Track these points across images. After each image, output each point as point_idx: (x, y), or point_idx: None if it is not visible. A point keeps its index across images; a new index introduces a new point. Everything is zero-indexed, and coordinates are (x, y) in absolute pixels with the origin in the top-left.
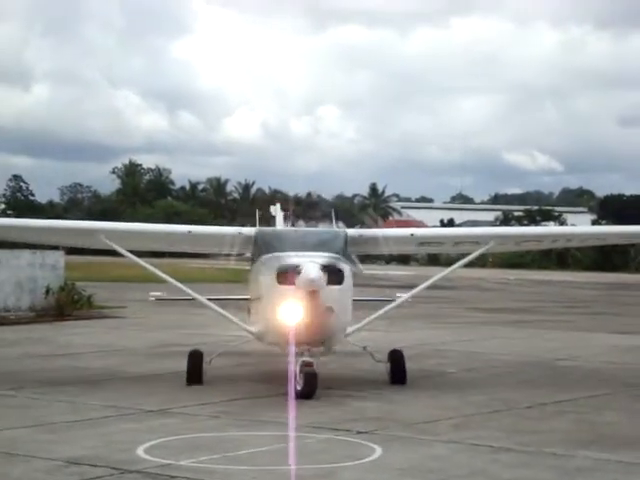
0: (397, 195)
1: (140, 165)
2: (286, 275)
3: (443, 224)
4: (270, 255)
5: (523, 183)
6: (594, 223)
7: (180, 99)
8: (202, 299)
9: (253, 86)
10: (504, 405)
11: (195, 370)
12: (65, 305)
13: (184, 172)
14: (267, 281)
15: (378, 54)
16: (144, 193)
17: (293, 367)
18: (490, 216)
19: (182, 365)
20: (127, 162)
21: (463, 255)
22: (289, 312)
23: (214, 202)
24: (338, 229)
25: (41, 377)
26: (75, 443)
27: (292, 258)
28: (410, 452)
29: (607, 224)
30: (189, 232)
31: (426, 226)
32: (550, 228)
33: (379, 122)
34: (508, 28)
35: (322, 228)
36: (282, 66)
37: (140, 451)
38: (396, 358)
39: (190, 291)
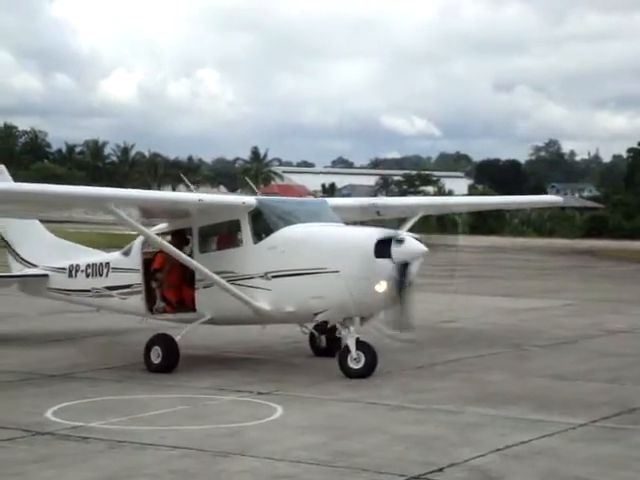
0: (279, 159)
1: (15, 127)
2: (384, 246)
3: (324, 189)
4: (295, 227)
5: (402, 147)
6: (471, 188)
7: (55, 60)
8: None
9: (130, 47)
10: (396, 366)
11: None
12: None
13: (60, 135)
14: (350, 252)
15: (257, 16)
16: (19, 156)
17: (347, 340)
18: (370, 180)
19: (77, 330)
20: (1, 124)
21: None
22: (389, 284)
23: (92, 165)
24: (323, 199)
25: None
26: None
27: (365, 229)
28: (309, 411)
29: (484, 189)
30: (199, 200)
31: (308, 190)
32: (469, 198)
33: (259, 85)
34: None
35: (310, 199)
36: (159, 28)
37: (49, 414)
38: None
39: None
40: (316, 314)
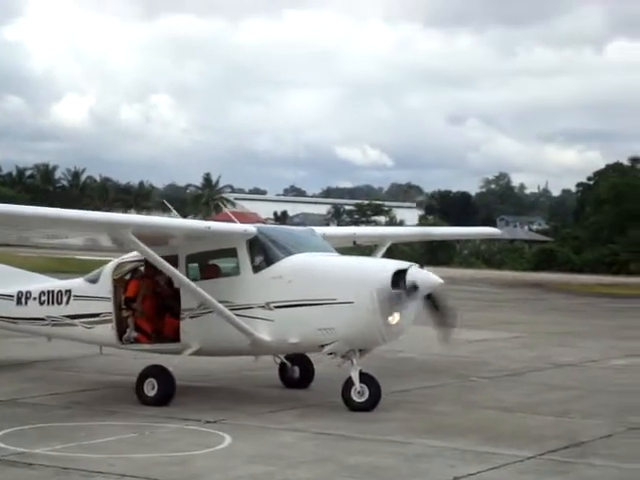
0: (231, 186)
1: None
2: (399, 279)
3: (277, 216)
4: (300, 256)
5: (354, 177)
6: (421, 218)
7: (7, 82)
8: (219, 306)
9: (83, 71)
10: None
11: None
12: None
13: (10, 158)
14: (365, 283)
15: (210, 44)
16: None
17: (350, 373)
18: (323, 209)
19: (24, 354)
20: None
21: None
22: (399, 315)
23: (41, 189)
24: (311, 228)
25: None
26: None
27: (379, 261)
28: (258, 440)
29: (434, 219)
30: (208, 228)
31: (260, 218)
32: (434, 229)
33: (212, 113)
34: (342, 23)
35: (301, 227)
36: (113, 52)
37: None
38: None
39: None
40: (322, 345)
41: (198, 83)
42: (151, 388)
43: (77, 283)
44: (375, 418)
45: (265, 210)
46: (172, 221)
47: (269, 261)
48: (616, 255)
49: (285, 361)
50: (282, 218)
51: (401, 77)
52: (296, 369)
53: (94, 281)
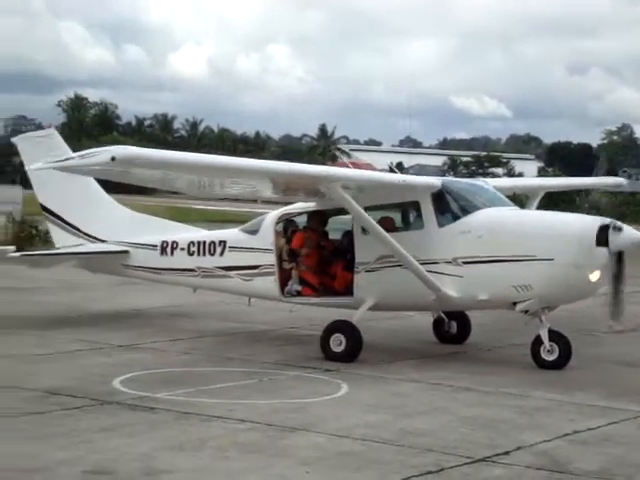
0: (346, 137)
1: (86, 99)
2: (605, 234)
3: (391, 168)
4: (488, 210)
5: (471, 128)
6: (541, 170)
7: (126, 33)
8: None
9: (200, 21)
10: (462, 347)
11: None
12: (23, 240)
13: (130, 107)
14: (568, 239)
15: None
16: (90, 128)
17: (539, 331)
18: (439, 161)
19: (142, 302)
20: (72, 95)
21: None
22: (599, 272)
23: (161, 138)
24: (485, 181)
25: (8, 311)
26: (52, 375)
27: (580, 216)
28: (375, 389)
29: (554, 172)
30: (403, 181)
31: (375, 169)
32: (577, 179)
33: (328, 62)
34: None
35: (477, 180)
36: (229, 1)
37: (116, 383)
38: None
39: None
40: (515, 303)
41: (314, 33)
42: (338, 344)
43: (232, 234)
44: (493, 371)
45: (380, 161)
46: (371, 174)
47: (455, 216)
48: None
49: (443, 316)
50: (398, 170)
51: (520, 26)
52: (454, 324)
53: (254, 232)
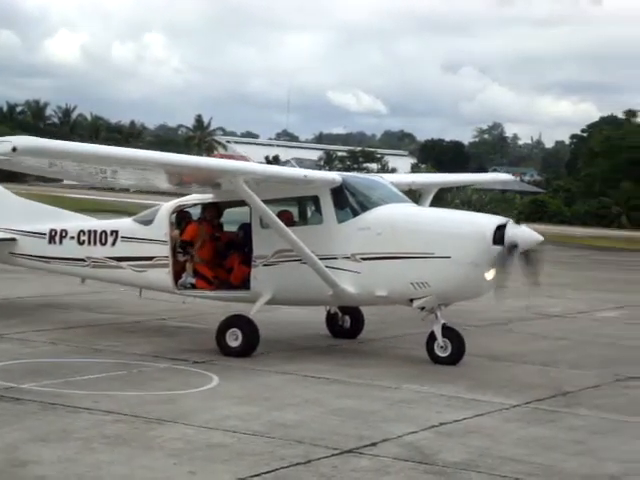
0: (223, 129)
1: None
2: (501, 233)
3: (268, 161)
4: (388, 207)
5: (347, 123)
6: (414, 167)
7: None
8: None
9: (75, 7)
10: (335, 340)
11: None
12: None
13: (1, 93)
14: (466, 237)
15: None
16: None
17: (433, 327)
18: (315, 155)
19: (9, 292)
20: None
21: None
22: (494, 271)
23: (32, 125)
24: (380, 176)
25: None
26: None
27: (477, 215)
28: (245, 381)
29: (427, 168)
30: (305, 176)
31: (251, 161)
32: (462, 175)
33: (206, 53)
34: None
35: (374, 176)
36: None
37: None
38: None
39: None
40: (412, 300)
41: (193, 22)
42: (234, 339)
43: (125, 223)
44: (364, 363)
45: (257, 154)
46: (274, 168)
47: (355, 211)
48: (607, 208)
49: (337, 311)
50: (274, 162)
51: (396, 23)
52: (347, 319)
53: (147, 223)
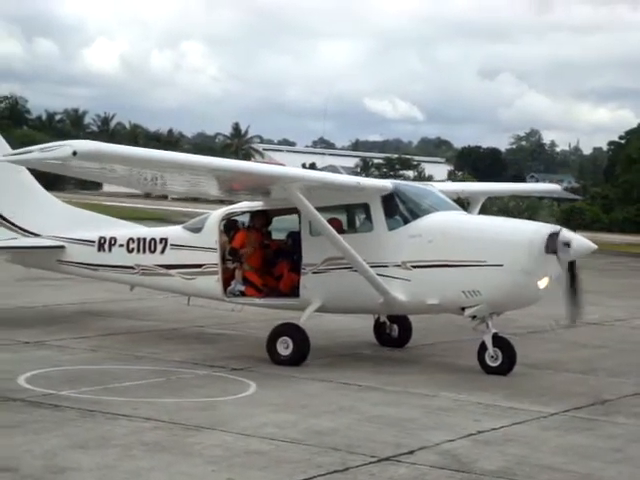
0: (260, 136)
1: None
2: (554, 241)
3: (305, 169)
4: (439, 214)
5: (384, 130)
6: (451, 174)
7: (38, 26)
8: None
9: (114, 16)
10: (370, 347)
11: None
12: None
13: (40, 102)
14: (518, 246)
15: None
16: None
17: (484, 337)
18: (351, 162)
19: (50, 299)
20: None
21: None
22: (548, 279)
23: (71, 134)
24: (432, 185)
25: None
26: None
27: (529, 223)
28: (283, 389)
29: (464, 175)
30: (358, 183)
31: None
32: (512, 185)
33: (243, 61)
34: None
35: (424, 184)
36: None
37: (21, 380)
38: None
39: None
40: (463, 308)
41: (230, 31)
42: (285, 347)
43: (174, 231)
44: (401, 371)
45: (294, 161)
46: (329, 176)
47: (405, 219)
48: None
49: (385, 319)
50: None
51: (434, 30)
52: (395, 327)
53: (197, 230)
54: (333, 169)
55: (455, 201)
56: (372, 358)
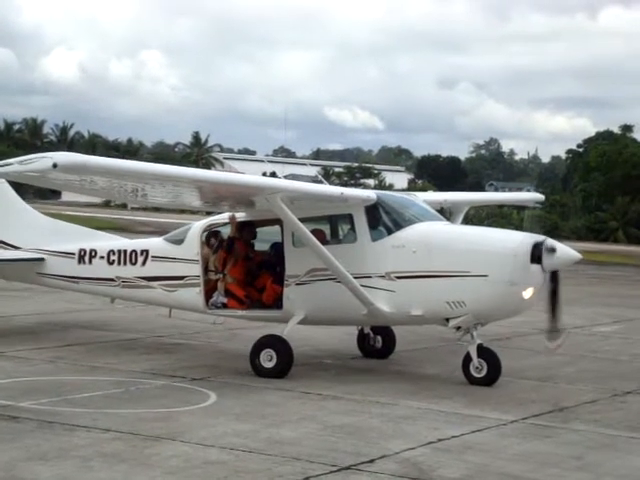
0: (220, 145)
1: None
2: (539, 251)
3: (266, 177)
4: (423, 225)
5: (344, 139)
6: (411, 182)
7: None
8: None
9: (72, 25)
10: (332, 356)
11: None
12: None
13: None
14: (502, 256)
15: (204, 1)
16: None
17: (468, 348)
18: (312, 171)
19: (9, 310)
20: None
21: None
22: (532, 289)
23: (30, 143)
24: (414, 195)
25: None
26: None
27: (513, 233)
28: (244, 398)
29: (423, 184)
30: (341, 194)
31: None
32: (494, 194)
33: (203, 70)
34: None
35: (406, 194)
36: (103, 6)
37: None
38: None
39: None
40: (448, 319)
41: (190, 40)
42: (269, 359)
43: (155, 243)
44: (362, 379)
45: (254, 170)
46: (311, 186)
47: (389, 230)
48: (604, 223)
49: (369, 331)
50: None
51: (393, 40)
52: (379, 339)
53: (178, 242)
54: (294, 178)
55: (438, 211)
56: (333, 367)
